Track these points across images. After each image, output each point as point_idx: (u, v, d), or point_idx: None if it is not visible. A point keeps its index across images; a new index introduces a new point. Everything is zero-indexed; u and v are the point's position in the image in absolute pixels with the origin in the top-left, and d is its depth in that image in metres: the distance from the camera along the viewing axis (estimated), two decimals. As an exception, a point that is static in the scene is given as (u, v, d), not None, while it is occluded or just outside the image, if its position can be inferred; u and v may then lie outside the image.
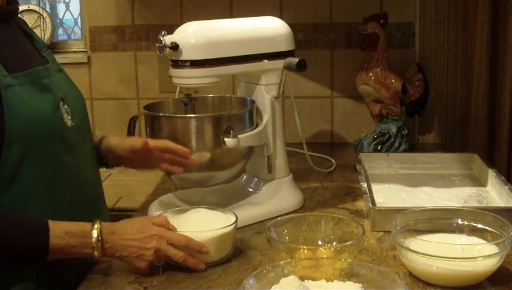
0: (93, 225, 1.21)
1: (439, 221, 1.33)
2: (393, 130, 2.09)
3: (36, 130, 1.20)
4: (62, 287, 1.28)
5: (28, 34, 1.37)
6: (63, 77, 1.38)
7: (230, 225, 1.31)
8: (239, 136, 1.47)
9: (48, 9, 2.55)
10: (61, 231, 1.18)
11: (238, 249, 1.39)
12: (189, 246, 1.26)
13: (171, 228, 1.28)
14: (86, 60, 2.44)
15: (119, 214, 1.52)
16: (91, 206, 1.35)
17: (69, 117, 1.31)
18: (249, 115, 1.55)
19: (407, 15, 2.26)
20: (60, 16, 2.67)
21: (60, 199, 1.26)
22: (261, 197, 1.61)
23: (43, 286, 1.25)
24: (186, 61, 1.46)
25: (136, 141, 1.48)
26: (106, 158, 1.50)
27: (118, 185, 2.02)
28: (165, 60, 1.52)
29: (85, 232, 1.20)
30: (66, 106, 1.30)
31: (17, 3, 1.36)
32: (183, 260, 1.25)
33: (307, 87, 2.35)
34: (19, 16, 1.39)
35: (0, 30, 1.26)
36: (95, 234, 1.21)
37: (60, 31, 2.69)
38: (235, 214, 1.35)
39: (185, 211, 1.39)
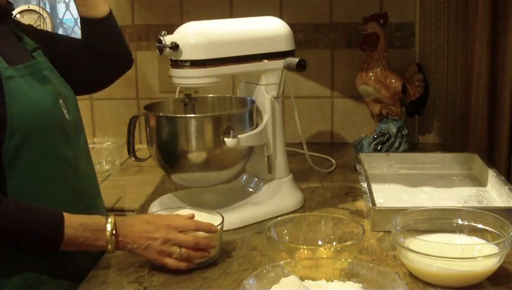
0: (107, 219, 1.24)
1: (439, 221, 1.33)
2: (393, 130, 2.09)
3: (37, 120, 1.23)
4: (63, 279, 1.29)
5: (17, 35, 1.39)
6: (55, 76, 1.40)
7: (217, 225, 1.31)
8: (239, 136, 1.47)
9: (48, 9, 2.55)
10: (76, 223, 1.21)
11: (238, 249, 1.39)
12: (200, 229, 1.27)
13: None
14: (86, 60, 2.44)
15: (119, 214, 1.52)
16: (89, 199, 1.38)
17: (65, 111, 1.33)
18: (249, 115, 1.55)
19: (407, 15, 2.26)
20: (60, 16, 2.67)
21: (58, 189, 1.28)
22: (261, 197, 1.61)
23: (44, 277, 1.26)
24: (186, 61, 1.46)
25: None
26: None
27: (118, 185, 2.02)
28: (165, 60, 1.52)
29: (99, 225, 1.23)
30: (61, 100, 1.33)
31: (12, 4, 1.39)
32: (195, 244, 1.26)
33: (307, 87, 2.35)
34: (14, 18, 1.42)
35: None
36: (109, 227, 1.23)
37: (60, 31, 2.68)
38: (221, 215, 1.35)
39: (170, 212, 1.39)
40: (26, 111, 1.21)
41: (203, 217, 1.35)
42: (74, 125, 1.36)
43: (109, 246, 1.23)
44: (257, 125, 1.57)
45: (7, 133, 1.18)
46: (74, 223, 1.20)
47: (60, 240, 1.19)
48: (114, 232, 1.23)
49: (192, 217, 1.32)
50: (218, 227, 1.31)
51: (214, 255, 1.32)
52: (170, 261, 1.26)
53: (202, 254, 1.28)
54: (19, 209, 1.18)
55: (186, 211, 1.36)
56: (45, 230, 1.19)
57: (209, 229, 1.28)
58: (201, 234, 1.28)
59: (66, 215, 1.21)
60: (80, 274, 1.28)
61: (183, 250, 1.25)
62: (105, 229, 1.22)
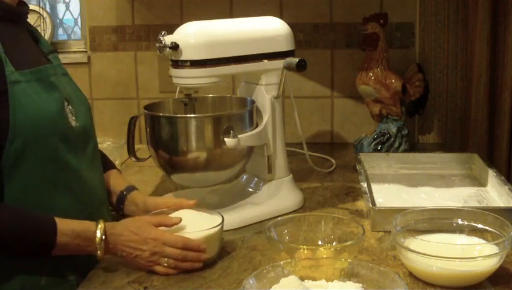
0: (97, 225, 1.24)
1: (439, 221, 1.33)
2: (393, 130, 2.09)
3: (40, 127, 1.22)
4: (62, 286, 1.28)
5: (34, 37, 1.39)
6: (68, 81, 1.40)
7: (217, 225, 1.31)
8: (239, 136, 1.47)
9: (48, 9, 2.55)
10: (68, 229, 1.21)
11: (238, 249, 1.39)
12: (187, 247, 1.26)
13: (171, 222, 1.29)
14: (86, 60, 2.44)
15: (120, 214, 1.52)
16: (93, 207, 1.36)
17: (73, 118, 1.32)
18: (249, 115, 1.55)
19: (407, 15, 2.26)
20: (60, 16, 2.67)
21: (60, 196, 1.28)
22: (261, 197, 1.61)
23: (43, 283, 1.26)
24: (186, 61, 1.46)
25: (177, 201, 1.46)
26: (125, 208, 1.48)
27: (118, 185, 2.02)
28: (165, 60, 1.52)
29: (90, 232, 1.23)
30: (70, 107, 1.32)
31: (27, 6, 1.37)
32: (183, 257, 1.26)
33: (307, 87, 2.35)
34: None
35: (10, 30, 1.28)
36: (98, 234, 1.23)
37: (60, 31, 2.68)
38: (221, 215, 1.35)
39: (169, 212, 1.39)
40: (28, 117, 1.20)
41: (203, 217, 1.35)
42: (82, 133, 1.35)
43: (98, 252, 1.23)
44: (257, 125, 1.57)
45: (8, 138, 1.18)
46: (66, 230, 1.21)
47: (52, 248, 1.20)
48: (103, 238, 1.23)
49: (180, 221, 1.30)
50: (218, 227, 1.31)
51: (213, 255, 1.32)
52: (159, 269, 1.26)
53: (191, 265, 1.27)
54: (12, 215, 1.18)
55: (186, 212, 1.36)
56: (38, 237, 1.20)
57: (197, 248, 1.27)
58: (190, 241, 1.27)
59: (58, 222, 1.21)
60: (79, 281, 1.27)
61: (171, 261, 1.26)
62: (95, 236, 1.23)
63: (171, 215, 1.36)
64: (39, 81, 1.26)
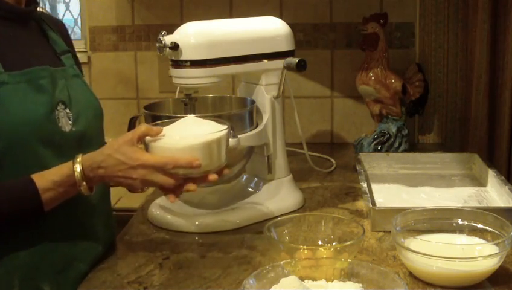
0: (75, 161, 1.20)
1: (439, 221, 1.33)
2: (393, 130, 2.09)
3: (22, 130, 1.18)
4: None
5: (47, 36, 1.36)
6: (78, 83, 1.37)
7: (223, 130, 1.27)
8: (239, 136, 1.47)
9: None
10: (48, 183, 1.18)
11: (238, 249, 1.39)
12: (178, 166, 1.22)
13: (154, 132, 1.24)
14: (86, 60, 2.44)
15: (119, 214, 1.52)
16: (85, 216, 1.32)
17: (70, 122, 1.28)
18: (249, 115, 1.55)
19: (407, 15, 2.26)
20: (60, 16, 2.67)
21: None
22: (261, 197, 1.61)
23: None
24: (186, 61, 1.46)
25: None
26: None
27: (118, 185, 2.01)
28: (165, 60, 1.52)
29: (70, 176, 1.19)
30: (67, 110, 1.28)
31: (36, 4, 1.34)
32: (176, 179, 1.23)
33: (307, 87, 2.35)
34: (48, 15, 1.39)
35: (8, 29, 1.26)
36: (78, 168, 1.19)
37: (60, 31, 2.68)
38: (227, 123, 1.31)
39: (175, 120, 1.34)
40: (12, 120, 1.16)
41: (209, 124, 1.31)
42: (77, 138, 1.29)
43: (82, 189, 1.20)
44: (257, 125, 1.57)
45: None
46: (46, 184, 1.17)
47: (41, 207, 1.17)
48: (83, 174, 1.19)
49: (161, 131, 1.24)
50: (222, 133, 1.26)
51: (221, 164, 1.27)
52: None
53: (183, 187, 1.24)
54: None
55: (189, 118, 1.33)
56: (22, 204, 1.17)
57: (189, 164, 1.22)
58: (180, 159, 1.22)
59: (36, 180, 1.17)
60: None
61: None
62: (75, 174, 1.19)
63: (176, 122, 1.32)
64: (28, 83, 1.21)
